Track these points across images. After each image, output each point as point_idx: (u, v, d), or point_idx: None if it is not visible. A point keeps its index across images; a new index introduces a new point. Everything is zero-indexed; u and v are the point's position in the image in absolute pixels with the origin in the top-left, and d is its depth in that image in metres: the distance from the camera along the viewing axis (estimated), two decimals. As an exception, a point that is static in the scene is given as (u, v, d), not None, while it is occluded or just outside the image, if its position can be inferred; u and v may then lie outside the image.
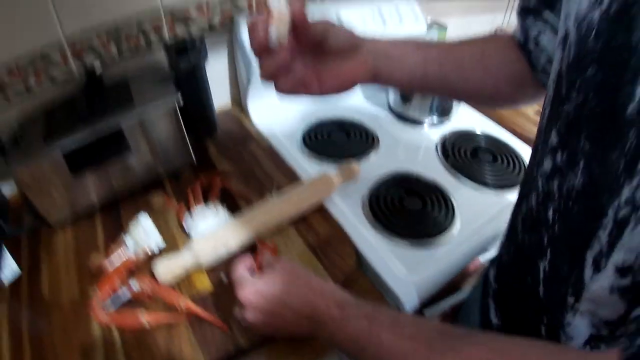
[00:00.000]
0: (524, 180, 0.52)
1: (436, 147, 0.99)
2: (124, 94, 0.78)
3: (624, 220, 0.30)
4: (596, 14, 0.33)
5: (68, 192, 0.72)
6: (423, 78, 0.55)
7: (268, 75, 0.46)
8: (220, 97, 1.08)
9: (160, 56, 0.91)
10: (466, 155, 0.96)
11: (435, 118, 1.07)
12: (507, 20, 1.64)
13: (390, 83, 0.56)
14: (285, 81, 0.47)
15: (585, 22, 0.34)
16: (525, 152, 1.02)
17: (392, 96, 1.09)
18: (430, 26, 1.15)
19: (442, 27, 1.12)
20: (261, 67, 0.45)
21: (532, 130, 1.13)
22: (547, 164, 0.41)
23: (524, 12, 0.54)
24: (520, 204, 0.50)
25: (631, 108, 0.29)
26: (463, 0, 1.44)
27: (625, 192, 0.30)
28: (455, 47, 0.58)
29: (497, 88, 0.58)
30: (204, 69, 0.78)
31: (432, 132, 1.05)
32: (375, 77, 0.53)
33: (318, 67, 0.49)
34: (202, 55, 0.76)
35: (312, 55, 0.49)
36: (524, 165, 0.96)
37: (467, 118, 1.10)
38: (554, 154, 0.39)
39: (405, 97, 1.05)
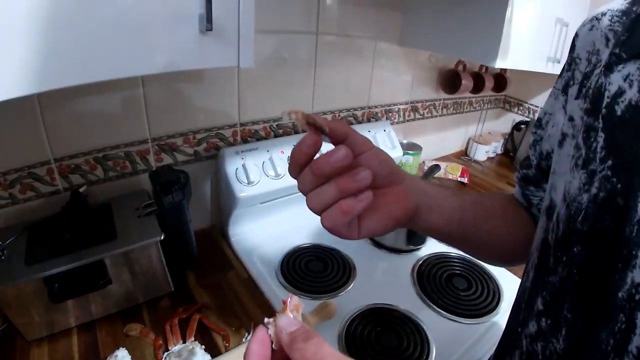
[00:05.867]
0: (505, 335, 0.53)
1: (411, 274, 1.02)
2: (107, 221, 0.81)
3: None
4: (585, 198, 0.36)
5: (46, 313, 0.73)
6: (459, 224, 0.50)
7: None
8: (201, 218, 1.11)
9: (145, 179, 0.95)
10: (440, 282, 0.99)
11: (411, 246, 1.10)
12: (479, 130, 1.75)
13: (425, 225, 0.47)
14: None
15: (575, 203, 0.37)
16: (498, 273, 1.04)
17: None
18: (405, 149, 1.22)
19: (417, 152, 1.19)
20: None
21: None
22: (532, 327, 0.43)
23: (525, 182, 0.57)
24: (503, 357, 0.50)
25: (622, 293, 0.32)
26: (437, 117, 1.55)
27: None
28: (483, 197, 0.58)
29: (514, 244, 0.57)
30: (187, 205, 0.82)
31: (408, 258, 1.08)
32: (414, 218, 0.45)
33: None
34: (185, 193, 0.80)
35: None
36: (498, 290, 0.99)
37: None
38: (539, 319, 0.42)
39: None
